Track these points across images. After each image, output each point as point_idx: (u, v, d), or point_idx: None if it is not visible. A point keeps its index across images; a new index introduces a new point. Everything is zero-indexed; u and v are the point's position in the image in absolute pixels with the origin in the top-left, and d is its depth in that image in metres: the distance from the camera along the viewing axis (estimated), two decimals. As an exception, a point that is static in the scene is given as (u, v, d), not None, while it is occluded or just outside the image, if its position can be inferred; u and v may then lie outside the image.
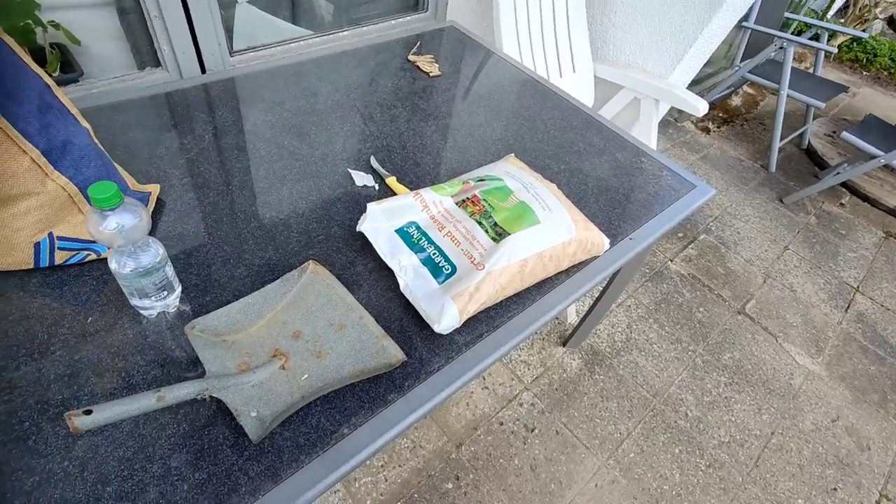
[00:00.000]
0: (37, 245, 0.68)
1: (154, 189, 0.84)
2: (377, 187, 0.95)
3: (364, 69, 1.25)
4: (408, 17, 1.55)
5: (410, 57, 1.31)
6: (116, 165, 0.79)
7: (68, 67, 1.02)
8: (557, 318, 1.73)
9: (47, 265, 0.71)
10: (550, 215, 0.80)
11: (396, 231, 0.78)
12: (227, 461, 0.58)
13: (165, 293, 0.68)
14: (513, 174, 0.87)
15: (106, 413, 0.51)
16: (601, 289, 1.40)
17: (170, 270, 0.67)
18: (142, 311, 0.68)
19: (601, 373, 1.61)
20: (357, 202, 0.90)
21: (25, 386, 0.60)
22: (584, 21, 1.68)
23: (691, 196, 1.05)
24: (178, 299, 0.71)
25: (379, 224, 0.78)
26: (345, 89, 1.17)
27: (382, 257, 0.76)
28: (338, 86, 1.18)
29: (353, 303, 0.74)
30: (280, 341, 0.69)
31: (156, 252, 0.64)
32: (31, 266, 0.70)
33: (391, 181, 0.95)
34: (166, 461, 0.56)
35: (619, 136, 1.18)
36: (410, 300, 0.73)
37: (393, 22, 1.49)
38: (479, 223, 0.78)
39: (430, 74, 1.26)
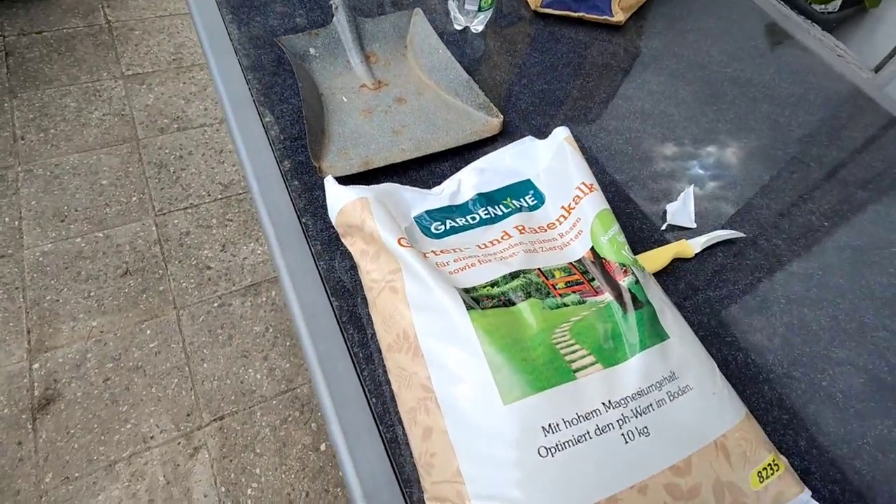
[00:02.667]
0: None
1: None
2: (664, 226, 0.56)
3: None
4: None
5: None
6: None
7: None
8: None
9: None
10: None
11: (520, 180, 0.47)
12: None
13: (472, 9, 0.67)
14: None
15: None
16: None
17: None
18: (452, 12, 0.71)
19: None
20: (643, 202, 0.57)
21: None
22: None
23: None
24: (481, 23, 0.70)
25: (533, 150, 0.48)
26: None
27: (473, 162, 0.50)
28: None
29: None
30: (393, 87, 0.62)
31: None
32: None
33: (681, 246, 0.53)
34: None
35: None
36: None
37: None
38: (528, 288, 0.37)
39: None
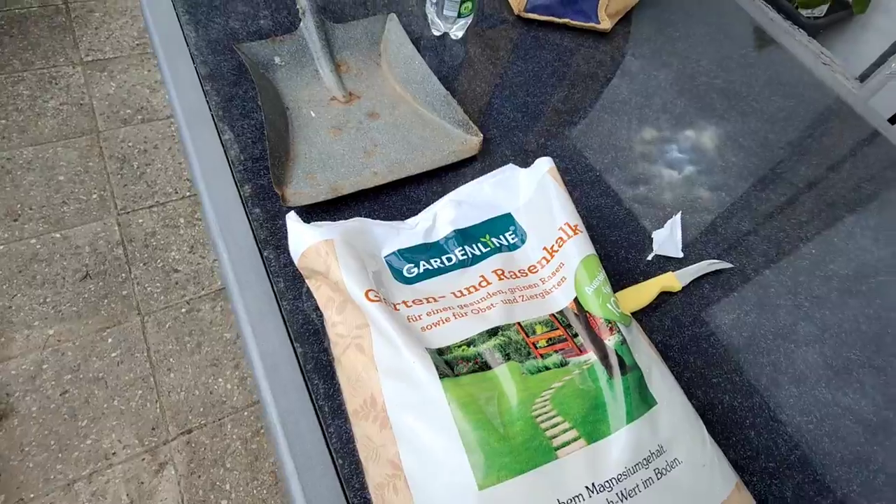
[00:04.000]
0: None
1: None
2: (650, 255, 0.53)
3: None
4: None
5: None
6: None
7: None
8: None
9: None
10: None
11: (499, 214, 0.44)
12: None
13: (451, 15, 0.63)
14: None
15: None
16: None
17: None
18: (430, 16, 0.66)
19: None
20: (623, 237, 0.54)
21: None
22: None
23: None
24: (461, 29, 0.66)
25: (519, 181, 0.45)
26: None
27: (450, 193, 0.46)
28: None
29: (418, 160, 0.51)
30: (366, 100, 0.57)
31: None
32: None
33: (669, 280, 0.50)
34: None
35: None
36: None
37: None
38: (507, 348, 0.34)
39: None
